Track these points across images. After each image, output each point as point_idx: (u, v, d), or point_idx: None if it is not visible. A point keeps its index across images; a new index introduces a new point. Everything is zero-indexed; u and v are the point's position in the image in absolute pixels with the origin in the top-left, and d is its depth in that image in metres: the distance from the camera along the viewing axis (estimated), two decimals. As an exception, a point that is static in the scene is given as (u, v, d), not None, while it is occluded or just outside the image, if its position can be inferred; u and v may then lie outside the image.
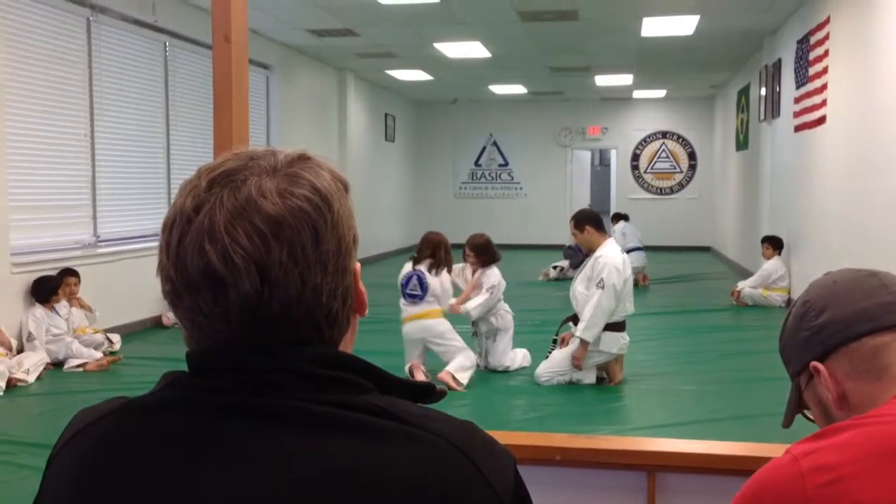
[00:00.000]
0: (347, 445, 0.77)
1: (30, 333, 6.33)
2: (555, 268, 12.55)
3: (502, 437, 1.78)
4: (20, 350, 6.26)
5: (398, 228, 17.17)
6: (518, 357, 6.43)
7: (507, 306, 6.55)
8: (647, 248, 12.35)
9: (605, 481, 1.71)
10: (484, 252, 6.27)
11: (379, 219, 15.64)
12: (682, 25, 9.98)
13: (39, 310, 6.43)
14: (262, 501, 0.75)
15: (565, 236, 17.95)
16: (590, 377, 5.88)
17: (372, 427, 0.79)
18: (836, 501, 0.93)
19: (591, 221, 5.91)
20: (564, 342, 5.96)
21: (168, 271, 0.82)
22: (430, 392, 0.91)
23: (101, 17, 7.63)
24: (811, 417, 1.20)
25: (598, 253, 5.81)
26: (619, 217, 12.89)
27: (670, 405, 5.46)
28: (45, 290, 6.48)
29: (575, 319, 5.93)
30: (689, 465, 1.68)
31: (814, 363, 1.13)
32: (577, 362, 5.79)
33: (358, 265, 0.90)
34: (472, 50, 11.59)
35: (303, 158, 0.87)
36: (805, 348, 1.15)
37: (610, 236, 6.07)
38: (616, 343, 5.83)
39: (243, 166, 0.83)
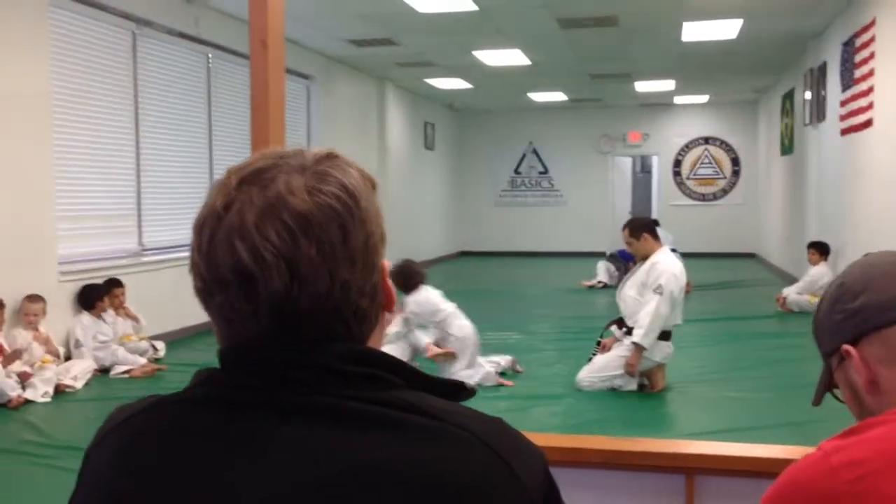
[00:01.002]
0: (376, 441, 0.78)
1: (77, 340, 6.45)
2: (598, 284, 12.29)
3: (539, 438, 1.77)
4: (68, 357, 6.39)
5: (438, 236, 17.20)
6: (477, 375, 6.03)
7: (458, 328, 6.11)
8: (689, 255, 12.19)
9: (643, 484, 1.69)
10: (396, 278, 6.02)
11: (419, 227, 15.68)
12: (725, 29, 9.87)
13: (87, 317, 6.56)
14: (289, 497, 0.76)
15: (606, 243, 17.87)
16: (631, 384, 5.82)
17: (401, 422, 0.79)
18: (865, 496, 0.92)
19: (648, 229, 5.89)
20: (606, 348, 5.91)
21: (199, 269, 0.84)
22: (460, 389, 0.92)
23: (145, 31, 7.78)
24: (840, 398, 1.18)
25: (654, 258, 5.76)
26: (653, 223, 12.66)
27: (714, 412, 5.38)
28: (91, 297, 6.61)
29: (619, 323, 5.88)
30: (728, 467, 1.66)
31: (846, 346, 1.12)
32: (631, 369, 5.71)
33: (386, 262, 0.90)
34: (512, 58, 11.59)
35: (331, 157, 0.88)
36: (839, 331, 1.14)
37: (664, 245, 5.99)
38: (661, 351, 5.77)
39: (272, 165, 0.84)
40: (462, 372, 5.92)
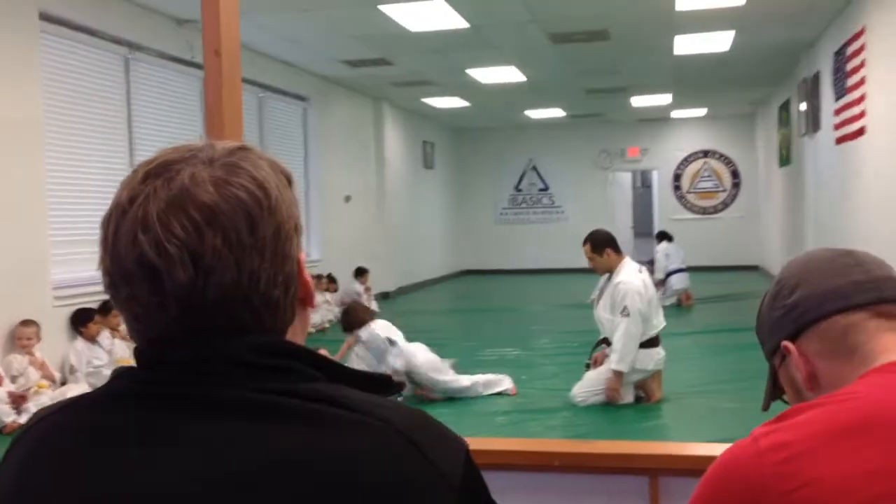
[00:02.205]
0: (288, 432, 0.77)
1: (72, 366, 6.44)
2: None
3: (498, 443, 1.75)
4: (63, 382, 6.38)
5: (440, 256, 17.20)
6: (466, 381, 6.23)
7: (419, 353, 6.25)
8: (692, 269, 12.18)
9: (606, 486, 1.67)
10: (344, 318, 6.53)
11: (419, 247, 15.69)
12: (717, 42, 9.90)
13: (80, 343, 6.55)
14: (199, 494, 0.75)
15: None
16: (627, 396, 5.79)
17: (313, 414, 0.78)
18: (791, 478, 0.92)
19: (611, 244, 5.79)
20: (597, 363, 5.88)
21: (105, 264, 0.83)
22: (385, 383, 0.91)
23: (138, 55, 7.83)
24: (787, 400, 1.17)
25: (617, 278, 5.68)
26: (662, 236, 12.61)
27: (711, 423, 5.35)
28: (81, 319, 6.60)
29: (606, 341, 5.85)
30: (692, 467, 1.63)
31: (784, 342, 1.11)
32: (611, 393, 5.66)
33: (303, 255, 0.89)
34: (507, 75, 11.63)
35: (242, 149, 0.87)
36: (778, 328, 1.13)
37: (626, 255, 5.92)
38: (651, 360, 5.74)
39: (179, 158, 0.84)
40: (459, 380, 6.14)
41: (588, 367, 5.99)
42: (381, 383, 0.90)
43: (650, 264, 12.97)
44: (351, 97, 12.87)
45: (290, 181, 0.91)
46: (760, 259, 16.67)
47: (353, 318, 6.40)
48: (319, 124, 11.77)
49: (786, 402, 1.18)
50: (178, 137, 6.01)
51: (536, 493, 1.68)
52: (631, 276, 5.66)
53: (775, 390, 1.20)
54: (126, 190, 0.83)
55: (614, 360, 5.56)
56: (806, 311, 1.09)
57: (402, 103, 14.39)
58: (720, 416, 5.47)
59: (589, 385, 5.80)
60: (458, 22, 8.50)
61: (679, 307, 11.36)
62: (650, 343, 5.71)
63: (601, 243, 5.76)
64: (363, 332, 6.28)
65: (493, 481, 1.70)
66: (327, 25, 8.76)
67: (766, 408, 1.23)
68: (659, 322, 5.77)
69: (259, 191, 0.83)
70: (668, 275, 11.71)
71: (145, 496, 0.75)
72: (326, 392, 0.80)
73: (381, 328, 6.31)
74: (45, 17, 6.63)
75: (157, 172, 0.82)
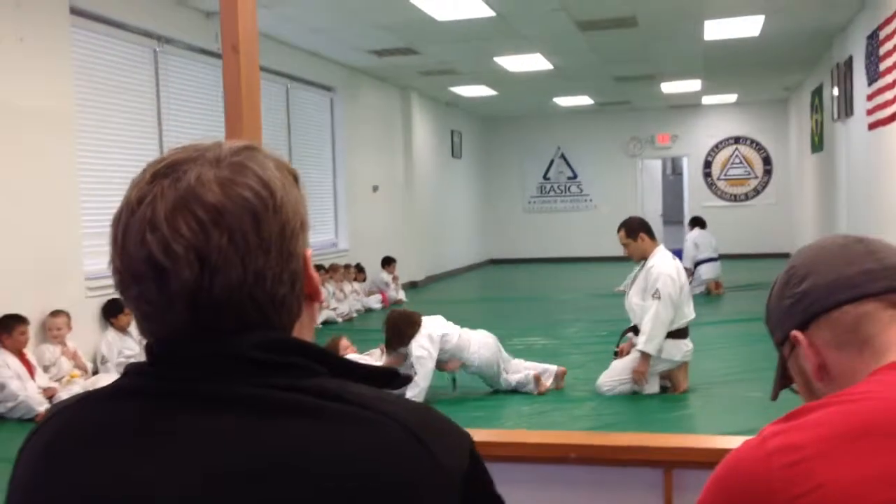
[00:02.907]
0: (290, 428, 0.78)
1: (103, 357, 6.55)
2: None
3: (515, 435, 1.76)
4: (95, 372, 6.49)
5: (467, 245, 17.20)
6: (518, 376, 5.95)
7: (475, 349, 5.81)
8: (723, 257, 12.05)
9: (620, 478, 1.67)
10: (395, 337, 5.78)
11: (447, 236, 15.70)
12: (747, 26, 9.77)
13: (112, 333, 6.65)
14: (201, 487, 0.77)
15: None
16: (653, 386, 5.76)
17: (318, 409, 0.79)
18: (800, 481, 0.90)
19: (645, 229, 5.83)
20: (624, 352, 5.86)
21: (115, 262, 0.85)
22: (391, 377, 0.92)
23: (167, 48, 7.91)
24: (797, 390, 1.15)
25: (650, 262, 5.71)
26: (694, 223, 12.38)
27: (738, 413, 5.30)
28: (112, 310, 6.70)
29: (635, 330, 5.84)
30: (707, 460, 1.63)
31: (794, 332, 1.09)
32: (638, 376, 5.66)
33: (308, 251, 0.90)
34: (534, 63, 11.57)
35: (248, 149, 0.89)
36: (787, 316, 1.10)
37: (660, 243, 5.93)
38: (679, 350, 5.71)
39: (187, 158, 0.85)
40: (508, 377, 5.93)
41: (616, 355, 5.97)
42: (387, 377, 0.91)
43: (680, 253, 12.92)
44: (378, 87, 12.88)
45: (296, 180, 0.92)
46: (792, 247, 16.46)
47: (395, 333, 5.73)
48: (347, 114, 11.80)
49: (795, 392, 1.17)
50: (205, 128, 6.03)
51: (552, 485, 1.69)
52: (665, 260, 5.69)
53: (784, 380, 1.17)
54: (135, 190, 0.85)
55: (642, 342, 5.57)
56: (816, 300, 1.07)
57: (430, 92, 14.38)
58: (746, 407, 5.41)
59: (615, 374, 5.79)
60: (484, 10, 8.47)
61: (708, 296, 11.27)
62: (679, 334, 5.68)
63: (636, 228, 5.79)
64: (414, 347, 5.62)
65: (509, 473, 1.71)
66: (353, 15, 8.77)
67: (774, 397, 1.21)
68: (689, 312, 5.74)
69: (264, 190, 0.84)
70: (697, 264, 11.57)
71: (147, 492, 0.77)
72: (330, 387, 0.81)
73: (434, 329, 5.72)
74: (76, 12, 6.72)
75: (164, 173, 0.84)
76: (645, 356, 5.60)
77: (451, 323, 5.91)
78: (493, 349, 5.86)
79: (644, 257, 5.78)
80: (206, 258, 0.80)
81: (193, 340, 0.82)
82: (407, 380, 0.95)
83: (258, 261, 0.82)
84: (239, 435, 0.78)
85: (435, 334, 5.64)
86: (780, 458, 0.92)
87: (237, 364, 0.81)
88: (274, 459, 0.77)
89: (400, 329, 5.69)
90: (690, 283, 11.45)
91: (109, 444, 0.81)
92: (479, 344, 5.80)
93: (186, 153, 0.86)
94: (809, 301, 1.08)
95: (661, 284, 5.55)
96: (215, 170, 0.83)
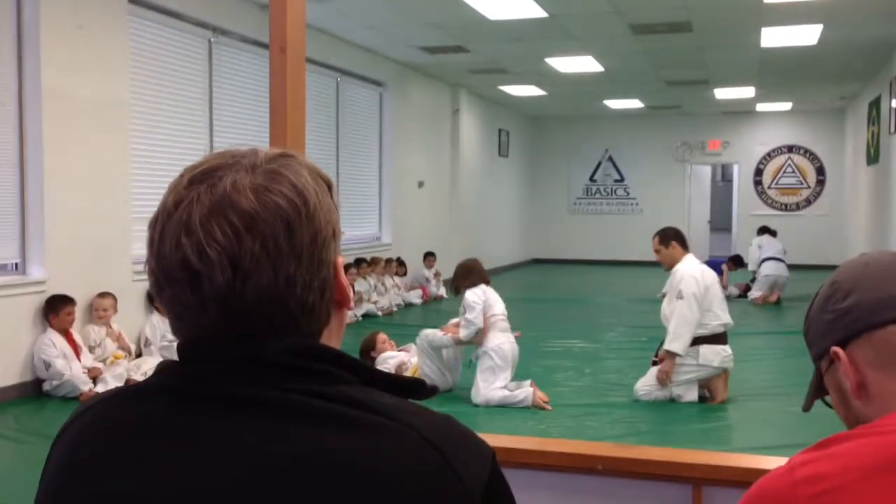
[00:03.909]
0: (316, 434, 0.79)
1: (147, 339, 6.68)
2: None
3: (543, 443, 1.76)
4: (139, 354, 6.62)
5: (511, 243, 17.17)
6: (496, 395, 5.72)
7: (502, 337, 5.92)
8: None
9: (648, 492, 1.66)
10: (456, 278, 6.30)
11: (492, 234, 15.68)
12: (805, 35, 9.59)
13: (156, 317, 6.78)
14: (225, 490, 0.78)
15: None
16: (691, 394, 5.71)
17: (341, 416, 0.80)
18: None
19: (678, 238, 5.98)
20: (662, 359, 5.82)
21: (151, 264, 0.87)
22: (418, 388, 0.92)
23: (221, 39, 8.02)
24: (831, 404, 1.13)
25: (676, 267, 5.83)
26: (764, 230, 12.39)
27: (778, 426, 5.23)
28: (156, 296, 6.83)
29: None
30: (737, 479, 1.62)
31: (834, 348, 1.06)
32: (662, 376, 5.69)
33: (340, 259, 0.91)
34: (584, 64, 11.51)
35: (284, 156, 0.90)
36: (828, 332, 1.08)
37: (690, 253, 5.99)
38: (717, 356, 5.67)
39: (224, 164, 0.86)
40: (507, 386, 5.79)
41: (654, 363, 5.93)
42: (413, 387, 0.91)
43: (733, 261, 12.73)
44: (428, 83, 12.91)
45: (330, 188, 0.93)
46: (842, 259, 16.05)
47: (460, 273, 6.23)
48: (395, 110, 11.85)
49: (828, 404, 1.15)
50: (256, 120, 6.12)
51: (578, 495, 1.68)
52: (690, 264, 5.81)
53: (818, 392, 1.14)
54: (172, 194, 0.86)
55: (667, 341, 5.65)
56: (860, 317, 1.04)
57: (479, 90, 14.37)
58: (786, 421, 5.34)
59: (652, 379, 5.77)
60: (536, 11, 8.44)
61: (763, 304, 11.13)
62: (715, 339, 5.66)
63: (669, 236, 5.96)
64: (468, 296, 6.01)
65: (536, 480, 1.72)
66: (406, 12, 8.80)
67: (807, 408, 1.18)
68: (723, 316, 5.74)
69: (298, 198, 0.85)
70: (761, 263, 11.46)
71: (172, 491, 0.79)
72: (355, 395, 0.82)
73: (491, 293, 6.08)
74: (134, 1, 6.84)
75: (201, 178, 0.85)
76: (671, 356, 5.64)
77: (500, 302, 6.11)
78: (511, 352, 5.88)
79: (673, 265, 5.88)
80: (238, 263, 0.81)
81: (224, 343, 0.84)
82: (433, 391, 0.96)
83: (289, 267, 0.83)
84: (264, 438, 0.79)
85: (484, 296, 5.98)
86: (806, 488, 0.91)
87: (266, 368, 0.83)
88: (297, 465, 0.78)
89: (464, 272, 6.20)
90: (753, 282, 11.39)
91: (136, 442, 0.83)
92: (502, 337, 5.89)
93: (223, 159, 0.88)
94: (853, 318, 1.05)
95: (685, 285, 5.63)
96: (251, 176, 0.85)
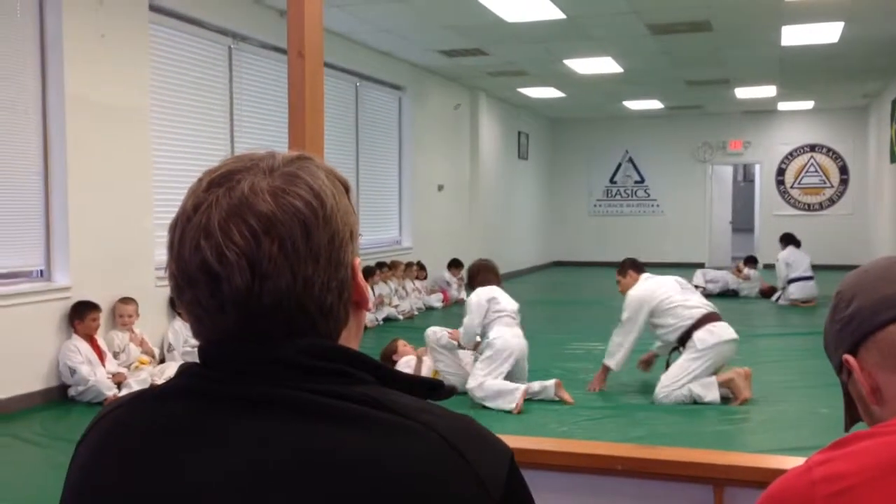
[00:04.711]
0: (334, 433, 0.80)
1: (170, 345, 6.73)
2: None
3: (563, 444, 1.76)
4: (162, 360, 6.67)
5: (532, 246, 17.14)
6: (492, 388, 5.69)
7: (505, 331, 5.91)
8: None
9: (669, 493, 1.66)
10: (469, 277, 6.55)
11: (512, 237, 15.67)
12: (826, 33, 9.52)
13: (178, 322, 6.82)
14: (244, 489, 0.79)
15: (704, 254, 17.41)
16: (712, 394, 5.69)
17: (360, 417, 0.81)
18: None
19: (634, 266, 6.39)
20: (649, 363, 6.36)
21: (171, 267, 0.88)
22: (436, 388, 0.93)
23: (241, 45, 8.08)
24: (861, 417, 1.13)
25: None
26: (787, 240, 11.70)
27: (802, 428, 5.19)
28: (178, 301, 6.89)
29: (682, 341, 5.97)
30: (759, 480, 1.61)
31: (846, 356, 1.07)
32: (590, 388, 6.15)
33: (357, 260, 0.92)
34: (603, 65, 11.48)
35: (301, 159, 0.90)
36: (839, 342, 1.09)
37: (643, 272, 6.36)
38: (710, 334, 5.80)
39: (242, 167, 0.87)
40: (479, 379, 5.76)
41: (668, 365, 5.99)
42: (431, 388, 0.92)
43: (751, 262, 12.63)
44: (447, 86, 12.93)
45: (347, 190, 0.93)
46: (867, 259, 15.82)
47: (472, 274, 6.40)
48: (415, 113, 11.88)
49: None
50: (276, 126, 6.14)
51: (598, 496, 1.68)
52: (636, 287, 6.19)
53: (853, 409, 1.14)
54: (191, 198, 0.87)
55: (606, 356, 6.20)
56: (862, 322, 1.05)
57: (498, 93, 14.37)
58: (809, 422, 5.30)
59: (668, 380, 5.83)
60: (554, 12, 8.43)
61: (796, 308, 10.98)
62: (698, 325, 5.85)
63: (626, 266, 6.41)
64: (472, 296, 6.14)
65: (556, 481, 1.72)
66: (424, 16, 8.83)
67: (847, 428, 1.18)
68: (694, 312, 5.93)
69: (315, 200, 0.86)
70: (790, 282, 11.19)
71: (193, 492, 0.80)
72: (373, 395, 0.83)
73: (496, 291, 6.13)
74: (155, 9, 6.91)
75: (219, 182, 0.86)
76: (604, 369, 6.18)
77: (509, 301, 6.15)
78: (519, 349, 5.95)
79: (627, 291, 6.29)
80: (256, 265, 0.82)
81: (243, 344, 0.85)
82: (451, 391, 0.96)
83: (307, 269, 0.84)
84: (284, 437, 0.80)
85: (493, 294, 6.08)
86: (824, 487, 0.92)
87: (284, 369, 0.83)
88: (315, 462, 0.78)
89: (475, 270, 6.44)
90: (778, 299, 11.21)
91: (158, 442, 0.84)
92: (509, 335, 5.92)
93: (241, 163, 0.89)
94: (856, 324, 1.06)
95: (626, 310, 6.12)
96: (268, 179, 0.86)
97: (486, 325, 5.97)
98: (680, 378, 5.74)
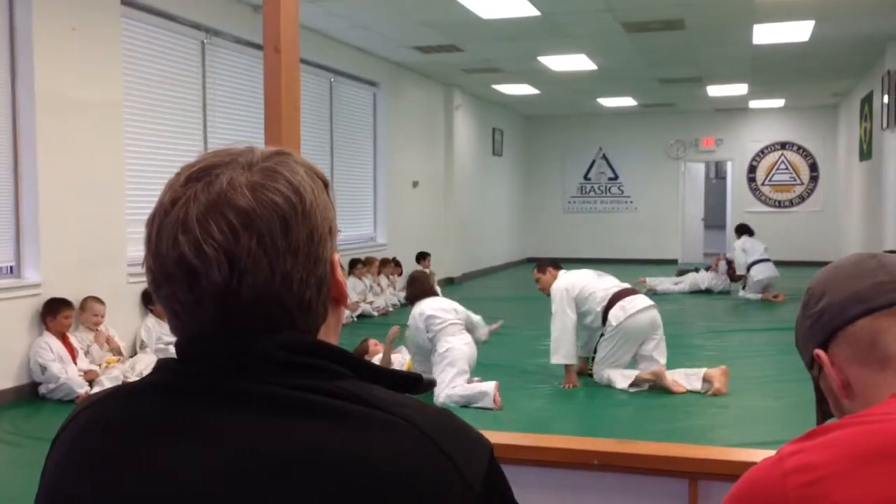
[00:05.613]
0: (313, 428, 0.79)
1: (142, 341, 6.67)
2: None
3: (539, 439, 1.77)
4: (133, 356, 6.59)
5: (506, 242, 17.17)
6: (462, 395, 5.63)
7: (453, 341, 5.87)
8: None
9: (645, 487, 1.67)
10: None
11: (486, 233, 15.70)
12: (797, 31, 9.62)
13: (151, 319, 6.76)
14: (219, 483, 0.78)
15: (677, 251, 17.55)
16: (622, 384, 5.98)
17: (339, 411, 0.80)
18: (814, 501, 0.90)
19: (552, 263, 6.61)
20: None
21: (148, 262, 0.87)
22: (415, 382, 0.93)
23: (214, 40, 8.01)
24: (832, 411, 1.15)
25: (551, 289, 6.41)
26: (741, 231, 12.20)
27: (774, 422, 5.26)
28: (151, 297, 6.80)
29: None
30: (732, 472, 1.62)
31: (817, 351, 1.09)
32: (564, 386, 6.16)
33: (336, 256, 0.91)
34: (578, 63, 11.52)
35: (280, 154, 0.90)
36: (809, 337, 1.11)
37: (560, 269, 6.54)
38: (621, 310, 6.07)
39: (220, 162, 0.87)
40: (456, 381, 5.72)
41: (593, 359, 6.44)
42: (410, 382, 0.92)
43: (725, 258, 12.77)
44: (421, 83, 12.91)
45: (326, 185, 0.93)
46: (837, 255, 16.12)
47: (413, 289, 6.39)
48: (389, 110, 11.85)
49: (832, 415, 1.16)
50: (250, 121, 6.11)
51: (575, 491, 1.69)
52: (559, 281, 6.36)
53: (824, 404, 1.16)
54: (169, 192, 0.86)
55: (551, 356, 6.25)
56: (832, 317, 1.07)
57: (473, 90, 14.37)
58: (782, 416, 5.37)
59: (595, 363, 6.24)
60: (529, 10, 8.45)
61: (765, 303, 11.12)
62: (614, 300, 6.12)
63: (545, 264, 6.61)
64: (415, 308, 6.09)
65: (533, 476, 1.72)
66: (399, 11, 8.81)
67: (819, 423, 1.19)
68: (609, 289, 6.22)
69: (294, 195, 0.85)
70: (750, 266, 11.48)
71: (170, 487, 0.79)
72: (352, 389, 0.83)
73: (429, 307, 6.02)
74: (127, 3, 6.84)
75: (197, 176, 0.86)
76: (566, 368, 6.22)
77: (455, 307, 6.10)
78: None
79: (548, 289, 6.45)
80: (235, 260, 0.82)
81: (221, 339, 0.84)
82: (430, 384, 0.96)
83: (286, 264, 0.84)
84: (262, 432, 0.80)
85: (426, 312, 5.98)
86: (796, 478, 0.92)
87: (263, 364, 0.83)
88: (294, 457, 0.78)
89: (408, 283, 6.60)
90: (744, 287, 11.44)
91: (133, 440, 0.83)
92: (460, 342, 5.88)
93: (219, 157, 0.88)
94: (826, 319, 1.08)
95: (553, 303, 6.28)
96: (247, 174, 0.85)
97: (432, 339, 5.90)
98: (600, 361, 6.20)
